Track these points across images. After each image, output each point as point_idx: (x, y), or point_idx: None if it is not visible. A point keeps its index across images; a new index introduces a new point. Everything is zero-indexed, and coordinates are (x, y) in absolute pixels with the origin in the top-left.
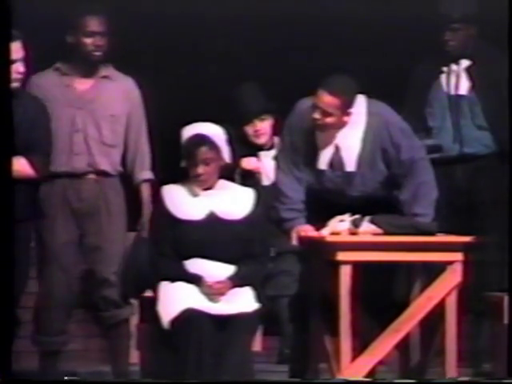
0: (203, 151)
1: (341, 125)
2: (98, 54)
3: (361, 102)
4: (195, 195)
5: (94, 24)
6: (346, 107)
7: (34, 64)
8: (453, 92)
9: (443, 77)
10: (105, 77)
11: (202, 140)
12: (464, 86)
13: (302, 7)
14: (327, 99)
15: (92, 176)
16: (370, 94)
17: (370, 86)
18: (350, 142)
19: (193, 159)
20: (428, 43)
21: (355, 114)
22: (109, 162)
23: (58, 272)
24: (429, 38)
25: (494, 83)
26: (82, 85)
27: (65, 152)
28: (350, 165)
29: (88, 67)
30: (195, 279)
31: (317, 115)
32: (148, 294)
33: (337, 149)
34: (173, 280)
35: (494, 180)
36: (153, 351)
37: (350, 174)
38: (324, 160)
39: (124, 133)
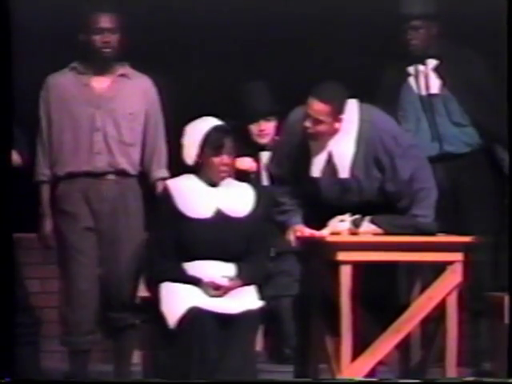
0: (230, 141)
1: (332, 132)
2: (107, 50)
3: (353, 108)
4: (213, 186)
5: (102, 21)
6: (336, 114)
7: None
8: (424, 92)
9: (411, 79)
10: (122, 75)
11: (227, 130)
12: (435, 85)
13: (310, 8)
14: (317, 107)
15: (112, 177)
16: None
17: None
18: (342, 148)
19: (220, 149)
20: (392, 45)
21: (347, 120)
22: (128, 161)
23: (79, 270)
24: (392, 40)
25: (467, 81)
26: (100, 83)
27: (85, 151)
28: (344, 171)
29: (104, 66)
30: (199, 280)
31: (308, 123)
32: (146, 294)
33: (330, 156)
34: (177, 281)
35: (477, 179)
36: (155, 351)
37: (345, 180)
38: (317, 168)
39: (142, 131)
